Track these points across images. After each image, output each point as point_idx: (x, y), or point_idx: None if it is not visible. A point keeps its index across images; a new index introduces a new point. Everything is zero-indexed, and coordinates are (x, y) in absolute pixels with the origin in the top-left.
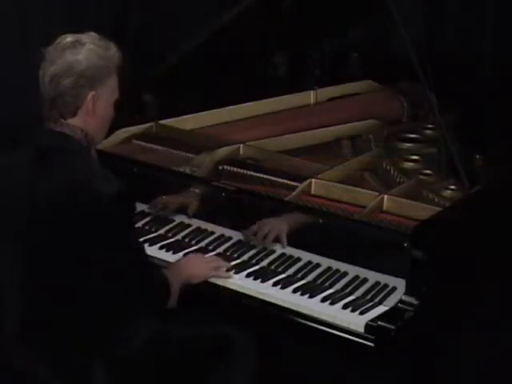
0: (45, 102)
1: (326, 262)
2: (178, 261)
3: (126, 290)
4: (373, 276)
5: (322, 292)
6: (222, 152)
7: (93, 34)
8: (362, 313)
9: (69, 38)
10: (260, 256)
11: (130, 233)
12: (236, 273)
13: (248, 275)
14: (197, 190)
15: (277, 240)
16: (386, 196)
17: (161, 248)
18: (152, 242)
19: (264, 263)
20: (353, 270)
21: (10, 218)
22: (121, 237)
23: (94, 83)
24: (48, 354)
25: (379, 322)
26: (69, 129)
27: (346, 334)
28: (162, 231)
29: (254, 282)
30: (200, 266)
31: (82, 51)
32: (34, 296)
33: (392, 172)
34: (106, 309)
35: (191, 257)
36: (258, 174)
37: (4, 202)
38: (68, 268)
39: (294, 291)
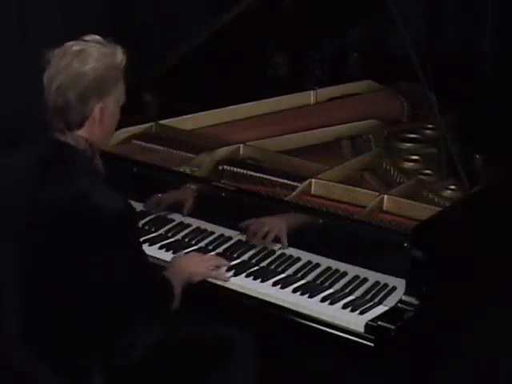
0: (50, 110)
1: (325, 262)
2: (175, 259)
3: (128, 297)
4: (373, 276)
5: (321, 292)
6: (222, 152)
7: (97, 37)
8: (361, 313)
9: (75, 47)
10: (260, 256)
11: (129, 247)
12: (236, 273)
13: (248, 275)
14: (192, 187)
15: (277, 240)
16: (385, 196)
17: (161, 248)
18: (152, 242)
19: (264, 263)
20: (352, 270)
21: (10, 222)
22: (119, 251)
23: (102, 94)
24: (48, 354)
25: (379, 322)
26: (73, 139)
27: (346, 333)
28: (161, 231)
29: (254, 281)
30: (199, 264)
31: (88, 61)
32: (34, 297)
33: (392, 172)
34: (108, 315)
35: (189, 255)
36: (258, 174)
37: (5, 205)
38: (67, 274)
39: (294, 291)
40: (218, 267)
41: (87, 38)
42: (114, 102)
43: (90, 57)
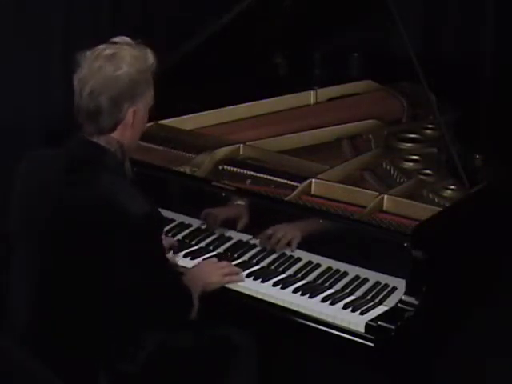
0: (81, 112)
1: (326, 262)
2: (189, 270)
3: (149, 305)
4: (373, 276)
5: (322, 292)
6: (222, 152)
7: (127, 39)
8: (362, 313)
9: (107, 51)
10: (260, 256)
11: (154, 252)
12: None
13: (248, 275)
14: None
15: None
16: (385, 196)
17: None
18: None
19: (264, 263)
20: (353, 270)
21: (35, 220)
22: (143, 255)
23: (135, 98)
24: (56, 358)
25: (379, 322)
26: (105, 140)
27: (346, 333)
28: None
29: (255, 282)
30: (214, 273)
31: (121, 66)
32: (49, 298)
33: (392, 172)
34: (126, 319)
35: (203, 264)
36: (258, 174)
37: (32, 204)
38: (87, 274)
39: (295, 291)
40: (231, 273)
41: (117, 39)
42: (145, 105)
43: (122, 61)
